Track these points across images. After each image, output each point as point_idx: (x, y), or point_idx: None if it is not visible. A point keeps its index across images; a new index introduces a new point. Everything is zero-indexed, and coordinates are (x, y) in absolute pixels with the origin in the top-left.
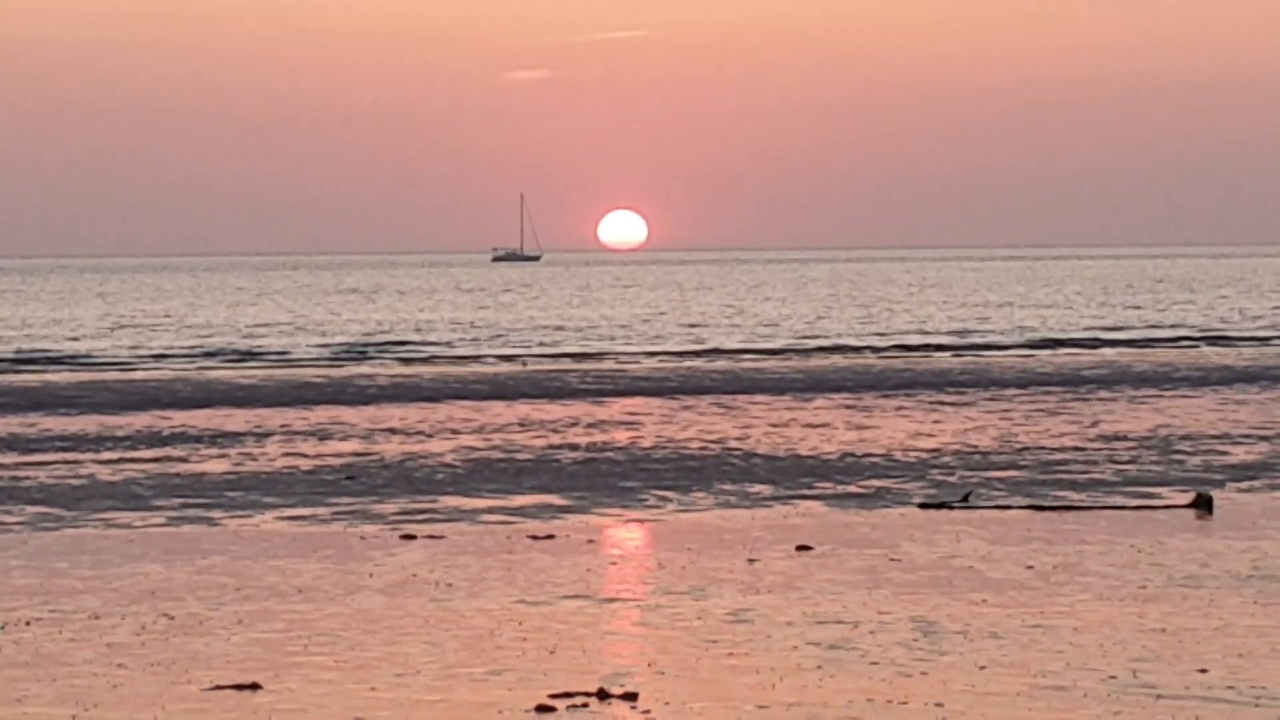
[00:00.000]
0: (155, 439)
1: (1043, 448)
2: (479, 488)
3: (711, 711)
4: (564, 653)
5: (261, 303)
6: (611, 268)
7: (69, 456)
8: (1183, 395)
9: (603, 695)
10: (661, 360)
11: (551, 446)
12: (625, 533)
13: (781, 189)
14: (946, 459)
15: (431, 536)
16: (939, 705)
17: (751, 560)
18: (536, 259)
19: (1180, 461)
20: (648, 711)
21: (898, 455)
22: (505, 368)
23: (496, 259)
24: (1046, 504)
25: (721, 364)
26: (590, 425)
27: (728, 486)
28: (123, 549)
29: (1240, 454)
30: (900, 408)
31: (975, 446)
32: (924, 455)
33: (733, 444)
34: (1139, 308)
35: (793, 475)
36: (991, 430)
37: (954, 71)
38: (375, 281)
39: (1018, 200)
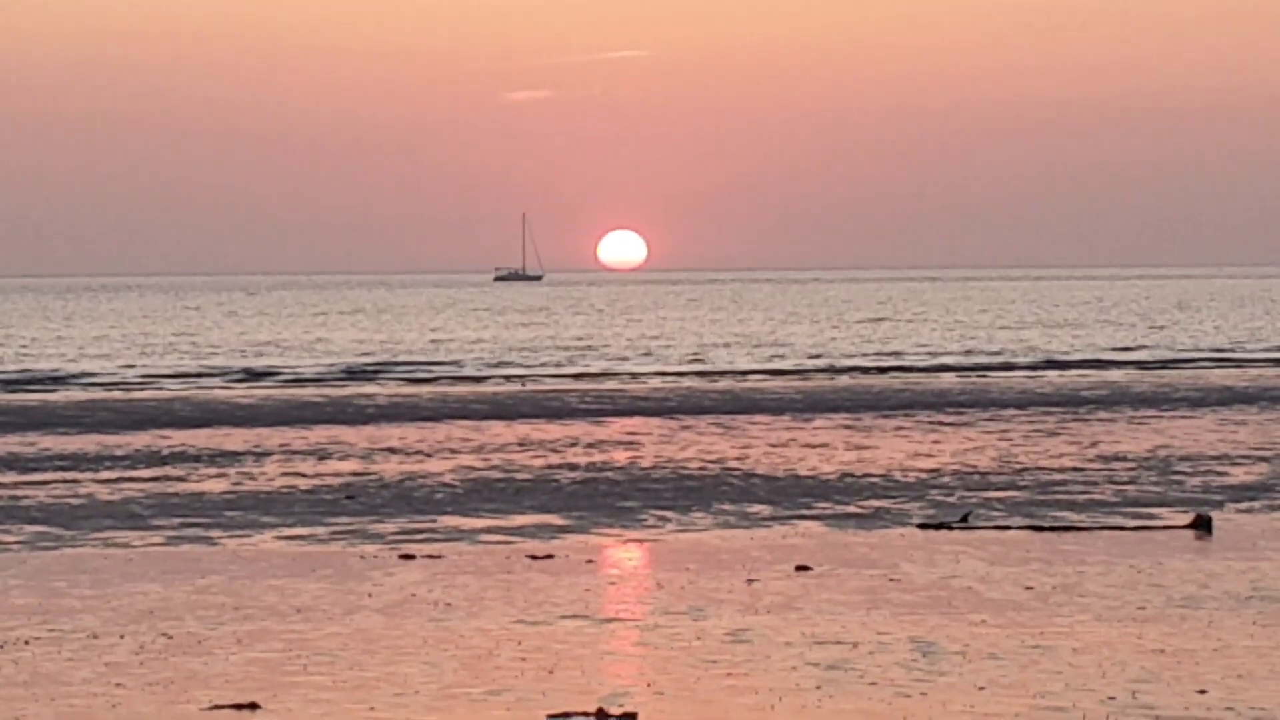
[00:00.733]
0: (154, 458)
1: (1042, 468)
2: (478, 507)
3: None
4: (563, 673)
5: (261, 321)
6: (612, 287)
7: (68, 476)
8: (1182, 416)
9: (602, 715)
10: (661, 380)
11: (551, 466)
12: (624, 553)
13: (781, 209)
14: (946, 479)
15: (430, 556)
16: None
17: (750, 580)
18: (539, 279)
19: (1179, 482)
20: None
21: (897, 475)
22: (505, 388)
23: (499, 278)
24: (1046, 524)
25: (721, 384)
26: (589, 445)
27: (727, 506)
28: (121, 568)
29: (1239, 475)
30: (899, 428)
31: (974, 467)
32: (923, 475)
33: (732, 464)
34: (1131, 325)
35: (792, 495)
36: (991, 450)
37: (955, 92)
38: (383, 301)
39: (1020, 219)
